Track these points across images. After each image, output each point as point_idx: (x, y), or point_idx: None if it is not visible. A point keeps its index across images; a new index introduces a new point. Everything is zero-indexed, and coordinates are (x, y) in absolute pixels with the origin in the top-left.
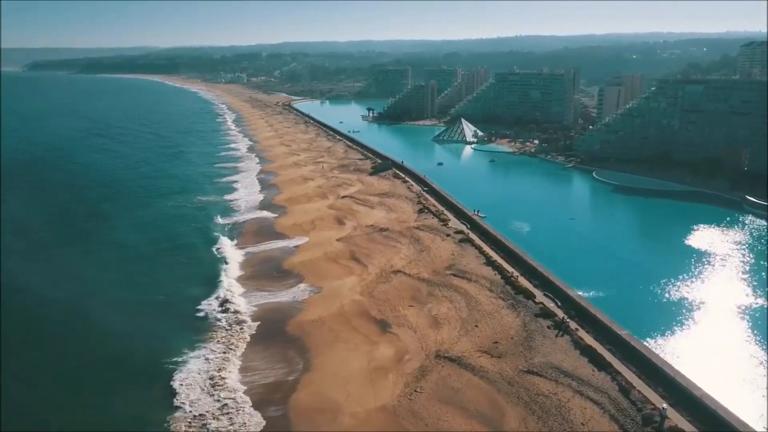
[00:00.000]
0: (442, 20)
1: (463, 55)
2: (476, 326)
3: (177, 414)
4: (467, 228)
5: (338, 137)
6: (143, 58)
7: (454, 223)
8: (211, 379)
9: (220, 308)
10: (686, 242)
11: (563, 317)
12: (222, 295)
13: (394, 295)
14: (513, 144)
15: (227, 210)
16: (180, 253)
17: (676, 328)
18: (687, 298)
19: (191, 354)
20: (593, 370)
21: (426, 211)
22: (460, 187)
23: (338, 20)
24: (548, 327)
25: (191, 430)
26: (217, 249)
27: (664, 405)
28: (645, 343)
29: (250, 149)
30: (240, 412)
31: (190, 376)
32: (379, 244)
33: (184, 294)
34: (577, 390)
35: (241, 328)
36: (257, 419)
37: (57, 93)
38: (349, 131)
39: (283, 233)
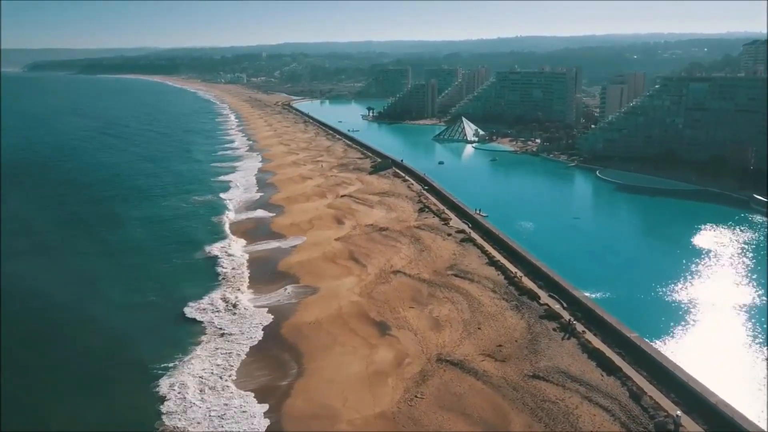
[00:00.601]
0: (442, 21)
1: (464, 55)
2: (479, 328)
3: (165, 420)
4: (469, 227)
5: (338, 136)
6: (143, 58)
7: (456, 222)
8: (202, 383)
9: (212, 309)
10: (694, 241)
11: (569, 319)
12: (214, 296)
13: (393, 296)
14: (514, 143)
15: (223, 209)
16: (173, 253)
17: (686, 330)
18: (697, 299)
19: (183, 357)
20: (602, 375)
21: (426, 210)
22: (461, 186)
23: (338, 21)
24: (554, 329)
25: None
26: (210, 249)
27: (678, 412)
28: (655, 345)
29: (249, 148)
30: (232, 417)
31: (181, 380)
32: (379, 243)
33: (174, 295)
34: (585, 396)
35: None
36: (250, 425)
37: (57, 93)
38: (349, 130)
39: (280, 233)
